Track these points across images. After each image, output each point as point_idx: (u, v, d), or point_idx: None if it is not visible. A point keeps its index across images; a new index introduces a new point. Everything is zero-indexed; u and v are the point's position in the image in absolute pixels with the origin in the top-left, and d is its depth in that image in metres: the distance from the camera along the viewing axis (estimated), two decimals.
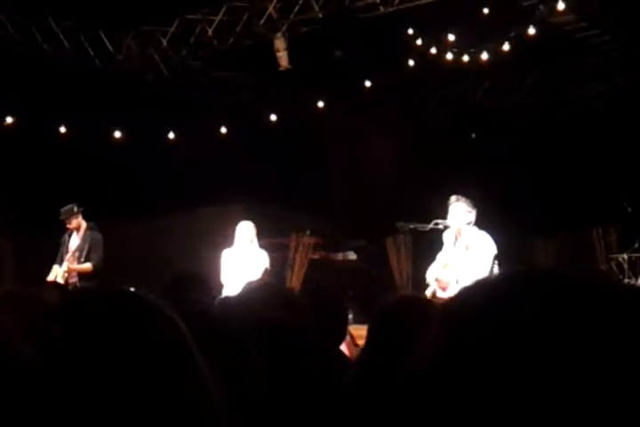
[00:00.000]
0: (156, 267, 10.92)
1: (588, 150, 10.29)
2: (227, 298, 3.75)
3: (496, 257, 7.10)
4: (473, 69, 9.29)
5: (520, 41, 8.50)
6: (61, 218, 8.41)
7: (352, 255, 10.57)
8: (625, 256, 9.01)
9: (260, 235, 8.79)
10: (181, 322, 1.40)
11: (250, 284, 4.89)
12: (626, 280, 8.90)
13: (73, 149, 10.52)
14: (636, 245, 8.95)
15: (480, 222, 7.25)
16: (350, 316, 9.84)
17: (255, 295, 3.32)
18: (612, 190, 9.73)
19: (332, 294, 3.92)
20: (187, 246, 10.84)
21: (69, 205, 8.40)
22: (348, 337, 9.38)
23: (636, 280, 8.81)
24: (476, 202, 7.33)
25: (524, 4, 8.88)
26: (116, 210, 10.20)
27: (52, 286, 5.66)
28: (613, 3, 8.92)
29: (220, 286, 8.29)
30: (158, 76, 10.79)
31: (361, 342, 9.61)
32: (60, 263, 8.31)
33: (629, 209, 9.23)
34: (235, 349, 2.79)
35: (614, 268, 9.27)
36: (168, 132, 10.85)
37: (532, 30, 8.23)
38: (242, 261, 8.35)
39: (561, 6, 7.67)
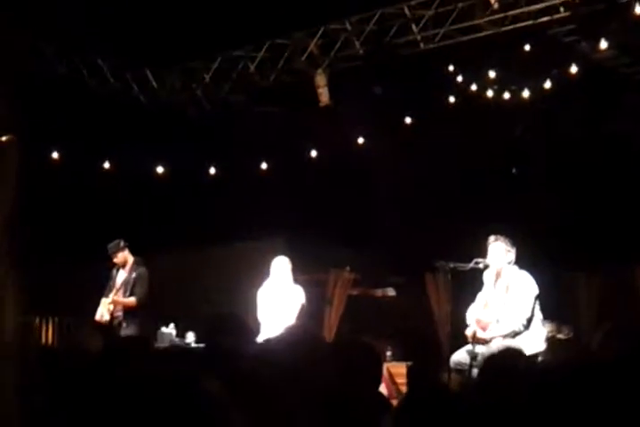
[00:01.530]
0: (196, 300, 10.99)
1: (634, 187, 10.14)
2: (263, 347, 3.74)
3: (537, 297, 7.01)
4: (514, 106, 9.24)
5: (562, 78, 8.46)
6: (109, 253, 8.59)
7: (391, 292, 10.51)
8: None
9: (298, 270, 8.79)
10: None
11: (288, 329, 4.88)
12: None
13: (117, 183, 10.67)
14: None
15: (521, 259, 7.17)
16: (389, 353, 9.80)
17: (288, 345, 3.30)
18: None
19: (364, 342, 3.90)
20: (225, 280, 10.88)
21: (115, 241, 8.63)
22: (386, 374, 9.27)
23: None
24: (518, 239, 7.27)
25: (566, 40, 8.85)
26: (158, 243, 10.29)
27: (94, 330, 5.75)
28: None
29: (258, 324, 8.28)
30: (201, 112, 10.92)
31: (399, 380, 9.46)
32: (107, 296, 8.47)
33: None
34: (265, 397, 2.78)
35: None
36: (209, 166, 10.95)
37: (573, 68, 8.17)
38: (278, 298, 8.34)
39: (603, 44, 7.62)
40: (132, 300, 8.38)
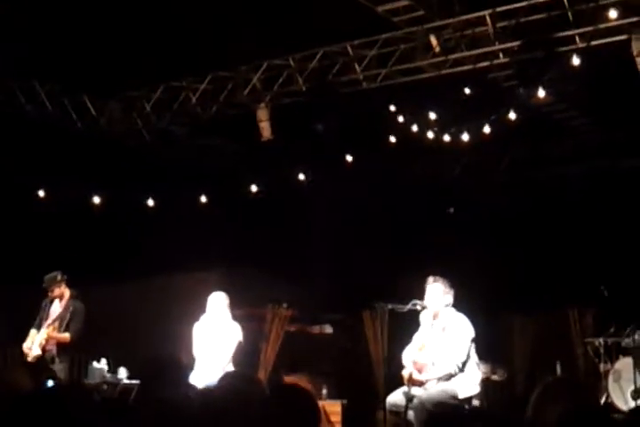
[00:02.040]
0: (128, 334, 10.80)
1: (567, 232, 10.38)
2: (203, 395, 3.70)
3: (473, 340, 7.09)
4: (453, 147, 9.41)
5: (500, 123, 8.65)
6: (44, 286, 8.36)
7: (328, 329, 10.50)
8: (601, 341, 9.01)
9: (235, 304, 8.73)
10: None
11: (226, 376, 4.83)
12: (602, 365, 8.89)
13: (51, 212, 10.45)
14: (612, 330, 8.96)
15: (456, 300, 7.26)
16: (324, 391, 9.78)
17: (226, 392, 3.25)
18: (590, 273, 9.80)
19: (301, 388, 3.92)
20: (159, 313, 10.74)
21: (53, 273, 8.39)
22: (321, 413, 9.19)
23: (612, 365, 8.80)
24: (453, 281, 7.35)
25: (504, 85, 9.06)
26: (93, 275, 10.11)
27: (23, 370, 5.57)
28: (592, 85, 9.12)
29: (193, 359, 8.19)
30: (140, 142, 10.82)
31: (334, 419, 9.46)
32: (38, 329, 8.25)
33: (606, 293, 9.28)
34: None
35: (590, 352, 9.27)
36: (148, 197, 10.83)
37: (512, 114, 8.37)
38: (214, 334, 8.27)
39: (541, 93, 7.83)
40: (66, 335, 8.18)
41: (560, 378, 4.56)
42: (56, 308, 8.39)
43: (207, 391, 5.75)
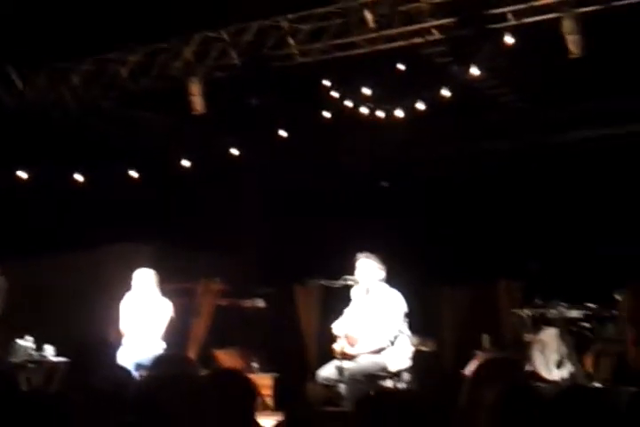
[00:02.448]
0: (55, 310, 10.62)
1: (498, 205, 10.55)
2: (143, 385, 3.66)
3: (406, 315, 7.17)
4: (387, 122, 9.44)
5: (434, 99, 8.71)
6: None
7: (260, 303, 10.50)
8: (527, 312, 9.22)
9: (166, 279, 8.66)
10: None
11: (160, 359, 4.77)
12: (527, 336, 9.11)
13: None
14: (538, 301, 9.18)
15: (389, 275, 7.33)
16: (255, 365, 9.79)
17: (164, 381, 3.22)
18: (518, 246, 10.00)
19: (239, 374, 3.90)
20: (86, 288, 10.57)
21: None
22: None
23: (537, 336, 9.03)
24: (385, 254, 7.42)
25: (438, 61, 9.11)
26: (17, 250, 9.90)
27: None
28: (523, 62, 9.24)
29: (121, 336, 8.11)
30: (68, 115, 10.55)
31: (265, 392, 9.47)
32: None
33: (534, 266, 9.49)
34: None
35: (516, 323, 9.47)
36: (76, 172, 10.60)
37: (445, 91, 8.43)
38: (143, 311, 8.20)
39: (475, 71, 7.89)
40: None
41: (494, 358, 4.63)
42: None
43: (142, 378, 5.70)
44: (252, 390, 3.64)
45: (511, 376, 3.34)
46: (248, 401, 3.57)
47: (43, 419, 2.76)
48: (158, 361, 4.48)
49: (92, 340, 5.00)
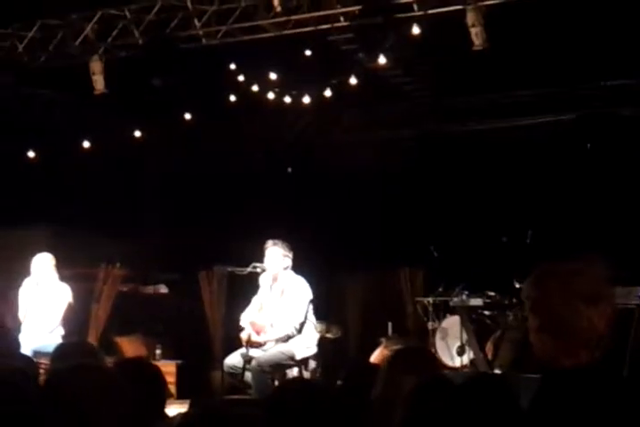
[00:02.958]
0: None
1: (400, 193, 10.70)
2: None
3: (311, 302, 7.23)
4: (293, 108, 9.42)
5: (340, 86, 8.73)
6: None
7: (163, 289, 10.38)
8: (430, 300, 9.42)
9: (66, 264, 8.46)
10: None
11: (63, 347, 4.66)
12: (430, 323, 9.32)
13: None
14: (440, 290, 9.39)
15: (295, 262, 7.36)
16: (158, 351, 9.68)
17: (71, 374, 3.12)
18: (420, 234, 10.18)
19: (147, 362, 3.89)
20: None
21: None
22: None
23: (439, 324, 9.24)
24: (291, 242, 7.45)
25: (344, 48, 9.13)
26: None
27: None
28: (428, 52, 9.36)
29: (19, 323, 7.90)
30: None
31: (168, 379, 9.42)
32: None
33: (435, 254, 9.69)
34: None
35: (419, 311, 9.68)
36: None
37: (352, 80, 8.47)
38: (41, 296, 8.01)
39: (382, 60, 7.94)
40: None
41: (408, 347, 4.72)
42: None
43: (45, 366, 5.55)
44: (161, 379, 3.65)
45: (427, 366, 3.40)
46: (158, 390, 3.57)
47: None
48: (62, 350, 4.38)
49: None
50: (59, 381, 2.94)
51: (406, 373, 3.16)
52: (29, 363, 4.77)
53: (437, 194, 10.47)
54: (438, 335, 9.09)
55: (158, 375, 3.66)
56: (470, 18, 8.08)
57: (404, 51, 8.52)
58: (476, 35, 7.93)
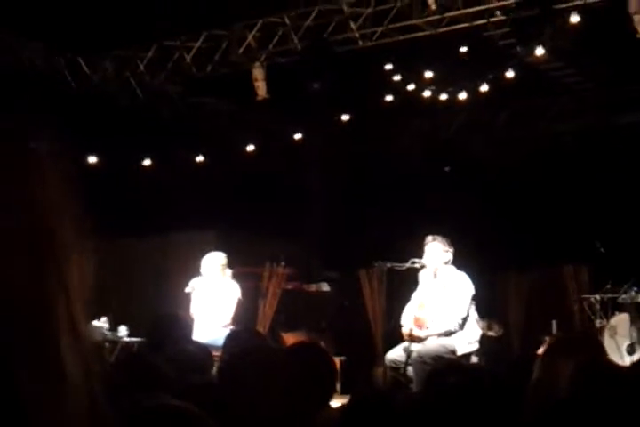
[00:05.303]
0: (127, 293, 10.87)
1: (562, 188, 10.44)
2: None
3: (473, 297, 7.18)
4: (449, 106, 9.40)
5: (498, 82, 8.63)
6: None
7: (325, 287, 10.57)
8: (597, 297, 9.13)
9: (233, 263, 8.75)
10: None
11: (235, 333, 4.88)
12: (597, 321, 9.03)
13: None
14: (608, 287, 9.08)
15: (456, 258, 7.34)
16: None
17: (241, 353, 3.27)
18: (585, 229, 9.88)
19: (318, 346, 3.96)
20: (157, 273, 10.78)
21: None
22: None
23: (607, 322, 8.94)
24: (451, 239, 7.43)
25: (501, 43, 9.04)
26: (94, 235, 10.09)
27: None
28: (589, 43, 9.11)
29: (192, 320, 8.24)
30: (134, 101, 10.73)
31: None
32: None
33: (602, 249, 9.37)
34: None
35: (586, 308, 9.40)
36: (143, 157, 10.79)
37: (509, 73, 8.36)
38: (213, 294, 8.30)
39: (539, 51, 7.81)
40: None
41: (571, 334, 4.64)
42: None
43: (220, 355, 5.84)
44: (331, 365, 3.68)
45: (590, 351, 3.32)
46: (328, 376, 3.59)
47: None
48: (234, 335, 4.59)
49: (169, 316, 5.12)
50: (233, 364, 3.09)
51: (566, 356, 3.12)
52: (206, 351, 5.03)
53: (601, 187, 10.13)
54: (607, 334, 8.78)
55: (329, 361, 3.71)
56: (632, 3, 7.83)
57: (563, 42, 8.34)
58: (638, 22, 7.68)
